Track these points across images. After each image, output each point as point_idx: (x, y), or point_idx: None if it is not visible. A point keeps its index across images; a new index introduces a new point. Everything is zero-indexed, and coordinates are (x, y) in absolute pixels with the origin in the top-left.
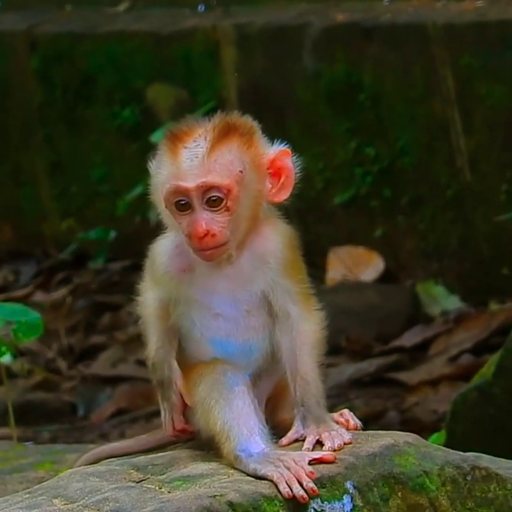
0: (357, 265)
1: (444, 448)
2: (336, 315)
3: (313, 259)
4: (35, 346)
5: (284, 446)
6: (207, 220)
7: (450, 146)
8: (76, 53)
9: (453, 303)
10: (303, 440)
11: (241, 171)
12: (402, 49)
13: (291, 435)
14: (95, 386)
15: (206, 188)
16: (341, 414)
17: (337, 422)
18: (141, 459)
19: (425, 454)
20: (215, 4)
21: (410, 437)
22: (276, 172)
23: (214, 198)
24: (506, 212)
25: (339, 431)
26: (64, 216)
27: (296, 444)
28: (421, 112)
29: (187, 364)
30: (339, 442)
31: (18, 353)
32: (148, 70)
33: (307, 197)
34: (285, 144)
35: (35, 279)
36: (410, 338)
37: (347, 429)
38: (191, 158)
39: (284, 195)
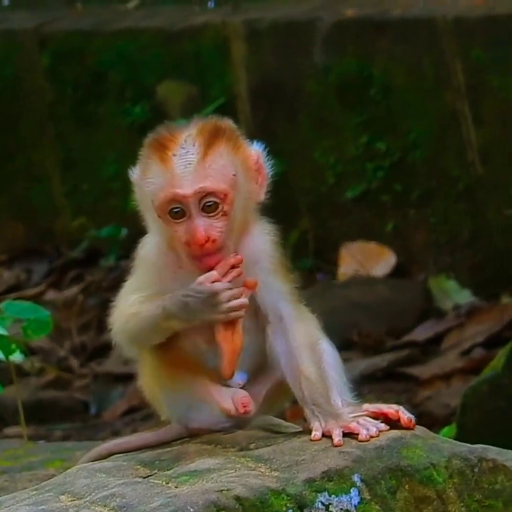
0: (369, 260)
1: (451, 440)
2: (348, 310)
3: (325, 254)
4: (47, 344)
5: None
6: (205, 226)
7: (461, 139)
8: (87, 50)
9: (465, 297)
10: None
11: (234, 175)
12: (412, 43)
13: (313, 437)
14: (107, 384)
15: (203, 194)
16: (375, 406)
17: (373, 414)
18: (148, 454)
19: (432, 447)
20: (225, 0)
21: (417, 429)
22: (257, 172)
23: (210, 203)
24: None
25: (362, 420)
26: (76, 214)
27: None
28: (432, 105)
29: (171, 359)
30: (373, 430)
31: (29, 352)
32: (159, 66)
33: (319, 192)
34: (258, 144)
35: (47, 277)
36: (422, 333)
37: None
38: (184, 165)
39: (263, 194)
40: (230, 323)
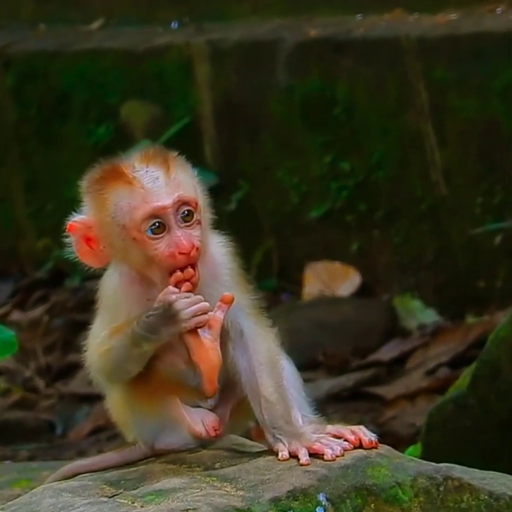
0: (334, 280)
1: (416, 459)
2: (313, 330)
3: (289, 274)
4: (12, 364)
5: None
6: (186, 235)
7: (424, 159)
8: (50, 71)
9: (430, 316)
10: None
11: (194, 185)
12: (375, 63)
13: (281, 457)
14: (73, 404)
15: (180, 204)
16: (351, 431)
17: (335, 436)
18: (114, 473)
19: (398, 465)
20: (188, 21)
21: (382, 448)
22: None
23: (186, 213)
24: (481, 224)
25: (325, 440)
26: (40, 234)
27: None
28: (395, 125)
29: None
30: (338, 449)
31: None
32: (122, 87)
33: (283, 212)
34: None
35: (12, 298)
36: (387, 352)
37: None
38: (152, 181)
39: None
40: (200, 340)
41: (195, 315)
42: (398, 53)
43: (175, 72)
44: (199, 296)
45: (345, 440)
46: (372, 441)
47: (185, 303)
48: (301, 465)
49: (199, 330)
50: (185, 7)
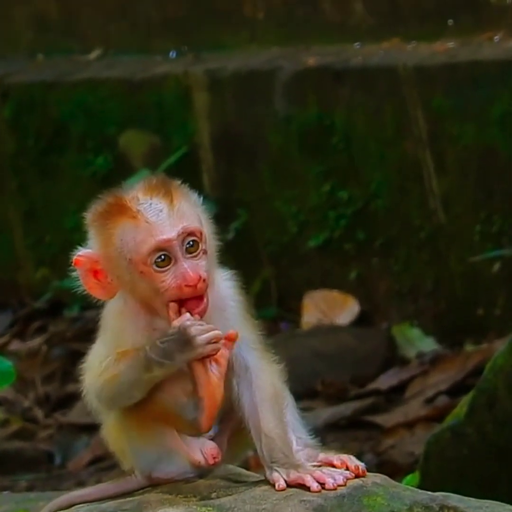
0: (332, 308)
1: (412, 488)
2: (311, 358)
3: (288, 303)
4: (11, 395)
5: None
6: (192, 266)
7: (422, 188)
8: (48, 101)
9: (429, 344)
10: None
11: (198, 215)
12: (373, 91)
13: (278, 487)
14: (72, 434)
15: (185, 235)
16: (339, 458)
17: (333, 465)
18: (110, 504)
19: (394, 495)
20: (186, 50)
21: (378, 477)
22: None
23: (191, 243)
24: (480, 252)
25: (325, 469)
26: (39, 265)
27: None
28: (394, 154)
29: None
30: (340, 479)
31: None
32: (121, 117)
33: (281, 241)
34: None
35: (11, 328)
36: (386, 381)
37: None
38: (156, 214)
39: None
40: (208, 376)
41: (209, 342)
42: (396, 81)
43: (173, 102)
44: (212, 325)
45: (333, 466)
46: (358, 467)
47: (200, 329)
48: (314, 491)
49: (208, 365)
50: (183, 37)
